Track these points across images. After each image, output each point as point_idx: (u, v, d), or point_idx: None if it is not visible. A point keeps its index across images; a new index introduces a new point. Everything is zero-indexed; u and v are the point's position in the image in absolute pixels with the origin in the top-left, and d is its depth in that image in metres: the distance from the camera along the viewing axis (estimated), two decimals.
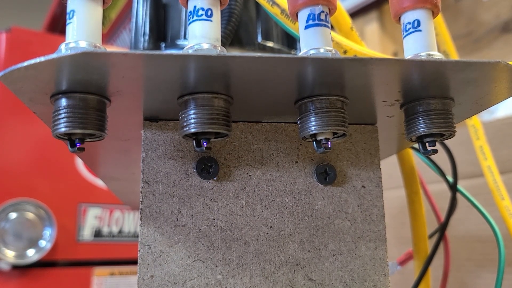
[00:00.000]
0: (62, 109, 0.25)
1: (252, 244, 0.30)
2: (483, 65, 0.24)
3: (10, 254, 0.86)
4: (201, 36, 0.25)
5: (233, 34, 0.40)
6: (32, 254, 0.88)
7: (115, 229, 0.99)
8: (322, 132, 0.27)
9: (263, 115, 0.31)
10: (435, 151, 0.29)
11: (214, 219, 0.30)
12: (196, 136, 0.27)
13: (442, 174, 0.44)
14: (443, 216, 0.44)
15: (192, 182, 0.31)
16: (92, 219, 0.97)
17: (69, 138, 0.26)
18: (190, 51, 0.25)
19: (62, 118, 0.25)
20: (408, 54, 0.27)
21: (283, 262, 0.31)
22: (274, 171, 0.32)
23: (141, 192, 0.30)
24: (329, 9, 0.27)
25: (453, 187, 0.43)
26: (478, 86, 0.27)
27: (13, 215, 0.88)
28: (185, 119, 0.26)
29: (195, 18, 0.26)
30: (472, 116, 0.34)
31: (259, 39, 0.42)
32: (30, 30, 0.99)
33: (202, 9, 0.25)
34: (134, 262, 0.93)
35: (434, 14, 0.27)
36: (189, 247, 0.30)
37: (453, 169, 0.43)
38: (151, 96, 0.27)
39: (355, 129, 0.33)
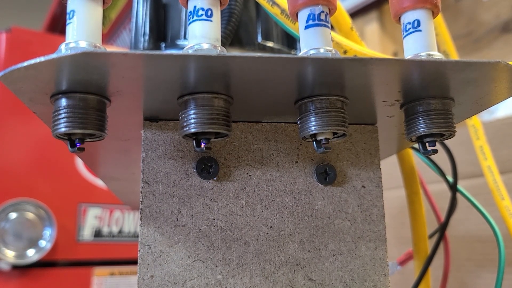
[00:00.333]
0: (62, 109, 0.25)
1: (252, 244, 0.30)
2: (483, 65, 0.24)
3: (10, 254, 0.86)
4: (201, 36, 0.25)
5: (233, 34, 0.40)
6: (32, 254, 0.88)
7: (115, 229, 0.99)
8: (322, 132, 0.27)
9: (263, 115, 0.31)
10: (435, 151, 0.29)
11: (214, 219, 0.30)
12: (196, 136, 0.27)
13: (442, 174, 0.44)
14: (443, 216, 0.44)
15: (192, 182, 0.31)
16: (92, 219, 0.97)
17: (69, 138, 0.26)
18: (190, 51, 0.25)
19: (62, 118, 0.25)
20: (408, 54, 0.27)
21: (283, 262, 0.31)
22: (274, 171, 0.32)
23: (141, 192, 0.30)
24: (329, 9, 0.27)
25: (453, 187, 0.43)
26: (478, 86, 0.27)
27: (13, 215, 0.88)
28: (185, 119, 0.26)
29: (195, 18, 0.26)
30: (472, 116, 0.34)
31: (259, 39, 0.42)
32: (30, 30, 0.99)
33: (202, 9, 0.25)
34: (134, 262, 0.93)
35: (434, 14, 0.27)
36: (189, 247, 0.30)
37: (453, 169, 0.43)
38: (151, 96, 0.27)
39: (355, 129, 0.33)
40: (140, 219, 0.30)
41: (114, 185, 0.54)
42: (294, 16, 0.27)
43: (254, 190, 0.31)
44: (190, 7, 0.26)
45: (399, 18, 0.27)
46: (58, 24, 1.34)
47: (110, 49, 0.27)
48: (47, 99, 0.26)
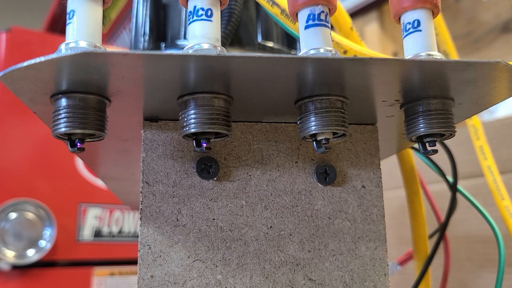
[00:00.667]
0: (62, 109, 0.25)
1: (252, 244, 0.30)
2: (483, 65, 0.24)
3: (10, 254, 0.86)
4: (201, 36, 0.25)
5: (233, 34, 0.40)
6: (32, 254, 0.88)
7: (115, 229, 0.99)
8: (322, 132, 0.27)
9: (263, 115, 0.31)
10: (435, 151, 0.29)
11: (214, 219, 0.30)
12: (196, 136, 0.27)
13: (442, 174, 0.44)
14: (443, 216, 0.44)
15: (192, 182, 0.31)
16: (92, 219, 0.97)
17: (69, 138, 0.26)
18: (190, 51, 0.25)
19: (62, 118, 0.25)
20: (408, 54, 0.27)
21: (283, 262, 0.31)
22: (274, 171, 0.32)
23: (141, 192, 0.30)
24: (329, 9, 0.27)
25: (453, 187, 0.43)
26: (478, 86, 0.27)
27: (13, 215, 0.88)
28: (185, 119, 0.26)
29: (195, 18, 0.26)
30: (472, 116, 0.34)
31: (259, 39, 0.42)
32: (30, 30, 0.99)
33: (202, 9, 0.25)
34: (134, 262, 0.93)
35: (434, 14, 0.27)
36: (189, 247, 0.30)
37: (453, 169, 0.43)
38: (151, 96, 0.27)
39: (355, 129, 0.33)
40: (140, 219, 0.30)
41: (114, 185, 0.54)
42: (294, 16, 0.27)
43: (254, 190, 0.31)
44: (190, 7, 0.26)
45: (399, 18, 0.27)
46: (58, 24, 1.34)
47: (110, 49, 0.27)
48: (47, 99, 0.26)
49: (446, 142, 0.39)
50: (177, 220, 0.30)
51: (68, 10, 0.25)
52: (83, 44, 0.24)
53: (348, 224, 0.32)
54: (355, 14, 1.25)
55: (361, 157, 0.33)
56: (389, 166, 0.52)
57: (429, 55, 0.26)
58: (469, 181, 0.68)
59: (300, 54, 0.26)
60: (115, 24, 1.21)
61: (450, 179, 0.44)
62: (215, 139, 0.28)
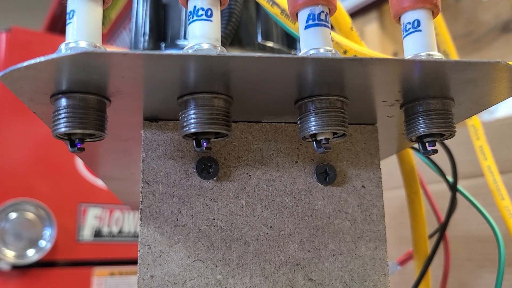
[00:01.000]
0: (62, 109, 0.25)
1: (252, 244, 0.30)
2: (483, 65, 0.24)
3: (10, 254, 0.86)
4: (201, 36, 0.25)
5: (233, 34, 0.40)
6: (32, 254, 0.88)
7: (115, 229, 0.99)
8: (322, 132, 0.27)
9: (263, 115, 0.31)
10: (435, 151, 0.29)
11: (214, 219, 0.30)
12: (196, 136, 0.27)
13: (442, 174, 0.44)
14: (443, 216, 0.44)
15: (192, 182, 0.31)
16: (92, 219, 0.97)
17: (69, 138, 0.26)
18: (190, 51, 0.25)
19: (62, 118, 0.25)
20: (408, 54, 0.27)
21: (283, 262, 0.31)
22: (274, 171, 0.32)
23: (141, 192, 0.30)
24: (329, 9, 0.27)
25: (453, 187, 0.43)
26: (478, 86, 0.27)
27: (13, 215, 0.88)
28: (185, 119, 0.26)
29: (195, 18, 0.26)
30: (472, 116, 0.34)
31: (259, 39, 0.42)
32: (30, 30, 0.99)
33: (202, 9, 0.25)
34: (134, 262, 0.93)
35: (434, 14, 0.27)
36: (189, 247, 0.30)
37: (453, 169, 0.43)
38: (151, 96, 0.27)
39: (355, 129, 0.33)
40: (140, 219, 0.30)
41: (114, 185, 0.54)
42: (294, 16, 0.27)
43: (254, 190, 0.31)
44: (190, 7, 0.26)
45: (399, 18, 0.27)
46: (58, 24, 1.34)
47: (110, 49, 0.27)
48: (47, 99, 0.26)
49: (446, 142, 0.39)
50: (177, 220, 0.30)
51: (68, 10, 0.25)
52: (83, 44, 0.24)
53: (348, 224, 0.32)
54: (355, 14, 1.25)
55: (361, 157, 0.33)
56: (389, 166, 0.52)
57: (429, 55, 0.26)
58: (469, 181, 0.68)
59: (300, 54, 0.26)
60: (115, 24, 1.21)
61: (450, 179, 0.44)
62: (215, 139, 0.28)
